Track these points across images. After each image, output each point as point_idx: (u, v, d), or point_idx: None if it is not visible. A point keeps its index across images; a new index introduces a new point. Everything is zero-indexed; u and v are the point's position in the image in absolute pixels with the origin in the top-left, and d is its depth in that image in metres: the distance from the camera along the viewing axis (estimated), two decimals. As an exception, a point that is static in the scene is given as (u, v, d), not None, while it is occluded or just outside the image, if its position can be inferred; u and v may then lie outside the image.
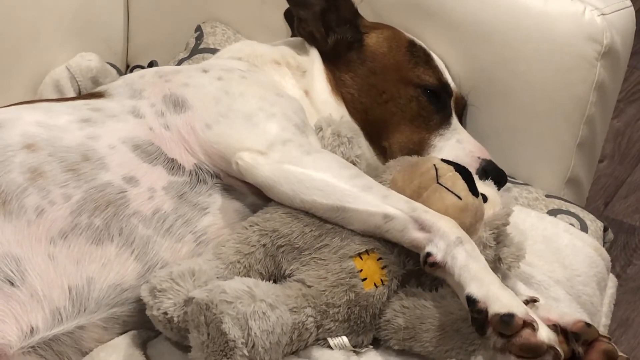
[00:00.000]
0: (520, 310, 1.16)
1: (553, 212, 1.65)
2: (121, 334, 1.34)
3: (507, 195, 1.45)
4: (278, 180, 1.33)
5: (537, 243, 1.57)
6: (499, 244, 1.40)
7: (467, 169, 1.36)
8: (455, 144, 1.61)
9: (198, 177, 1.41)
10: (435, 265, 1.25)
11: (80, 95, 1.66)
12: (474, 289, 1.20)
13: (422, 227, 1.27)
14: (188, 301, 1.20)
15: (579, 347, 1.23)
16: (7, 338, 1.25)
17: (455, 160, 1.52)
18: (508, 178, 1.65)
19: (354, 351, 1.29)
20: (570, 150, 1.71)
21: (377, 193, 1.31)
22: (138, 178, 1.38)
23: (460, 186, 1.33)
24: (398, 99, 1.60)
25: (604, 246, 1.66)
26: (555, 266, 1.55)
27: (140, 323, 1.32)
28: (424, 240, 1.27)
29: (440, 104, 1.62)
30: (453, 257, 1.24)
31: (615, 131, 3.21)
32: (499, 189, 1.52)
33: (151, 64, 1.89)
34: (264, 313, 1.16)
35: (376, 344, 1.33)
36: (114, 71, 1.90)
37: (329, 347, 1.28)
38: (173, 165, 1.41)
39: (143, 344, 1.33)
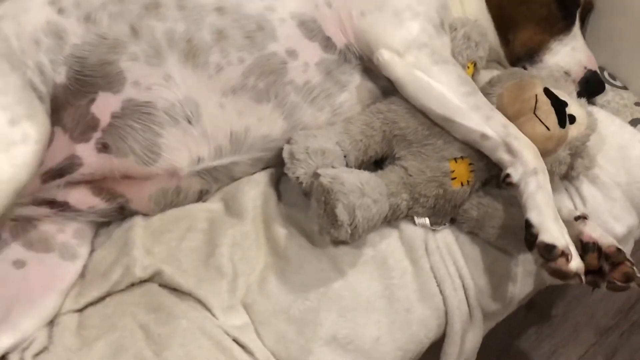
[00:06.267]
0: (562, 243, 1.32)
1: (634, 122, 1.74)
2: (263, 169, 1.56)
3: (593, 119, 1.57)
4: (407, 82, 1.47)
5: (612, 149, 1.70)
6: (573, 155, 1.55)
7: (563, 104, 1.49)
8: (569, 51, 1.69)
9: (345, 56, 1.52)
10: (510, 184, 1.42)
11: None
12: (533, 216, 1.35)
13: (510, 151, 1.42)
14: (315, 175, 1.39)
15: (607, 265, 1.39)
16: (181, 163, 1.48)
17: (564, 67, 1.68)
18: (609, 76, 1.77)
19: (433, 229, 1.53)
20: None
21: (482, 114, 1.44)
22: (298, 52, 1.50)
23: (552, 119, 1.48)
24: (531, 3, 1.69)
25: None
26: (621, 172, 1.69)
27: (279, 163, 1.50)
28: (508, 162, 1.42)
29: (567, 12, 1.70)
30: (526, 183, 1.39)
31: None
32: (595, 96, 1.68)
33: None
34: (368, 206, 1.38)
35: (450, 222, 1.55)
36: None
37: (414, 223, 1.52)
38: (327, 44, 1.52)
39: (278, 180, 1.57)
